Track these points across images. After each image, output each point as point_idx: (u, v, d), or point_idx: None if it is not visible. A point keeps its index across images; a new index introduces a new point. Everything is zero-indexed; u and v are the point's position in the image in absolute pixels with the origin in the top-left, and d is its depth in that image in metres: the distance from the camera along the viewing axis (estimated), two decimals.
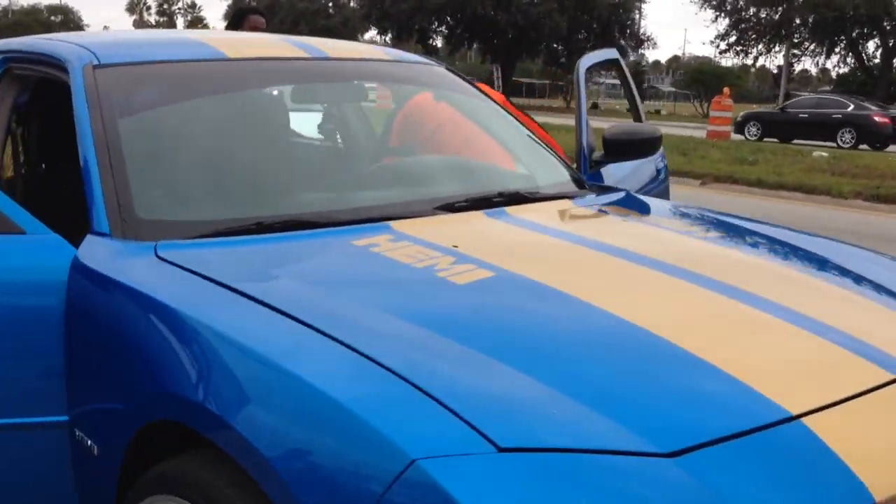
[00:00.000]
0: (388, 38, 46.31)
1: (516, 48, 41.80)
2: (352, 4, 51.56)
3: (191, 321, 1.56)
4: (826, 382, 1.49)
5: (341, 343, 1.41)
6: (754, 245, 2.34)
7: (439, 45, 45.17)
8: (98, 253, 1.87)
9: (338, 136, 3.01)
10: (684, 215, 2.67)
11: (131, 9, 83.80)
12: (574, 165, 2.99)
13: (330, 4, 55.63)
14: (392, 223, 2.03)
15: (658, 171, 3.88)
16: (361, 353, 1.38)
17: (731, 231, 2.45)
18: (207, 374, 1.49)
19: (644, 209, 2.67)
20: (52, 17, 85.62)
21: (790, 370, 1.52)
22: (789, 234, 2.46)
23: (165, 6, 70.33)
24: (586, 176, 2.99)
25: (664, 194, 3.83)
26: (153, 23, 76.26)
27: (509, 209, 2.27)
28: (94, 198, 1.98)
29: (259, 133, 2.46)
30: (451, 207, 2.23)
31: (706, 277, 1.84)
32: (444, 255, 1.84)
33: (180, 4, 73.17)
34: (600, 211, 2.50)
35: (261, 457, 1.31)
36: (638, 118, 3.84)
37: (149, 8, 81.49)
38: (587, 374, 1.41)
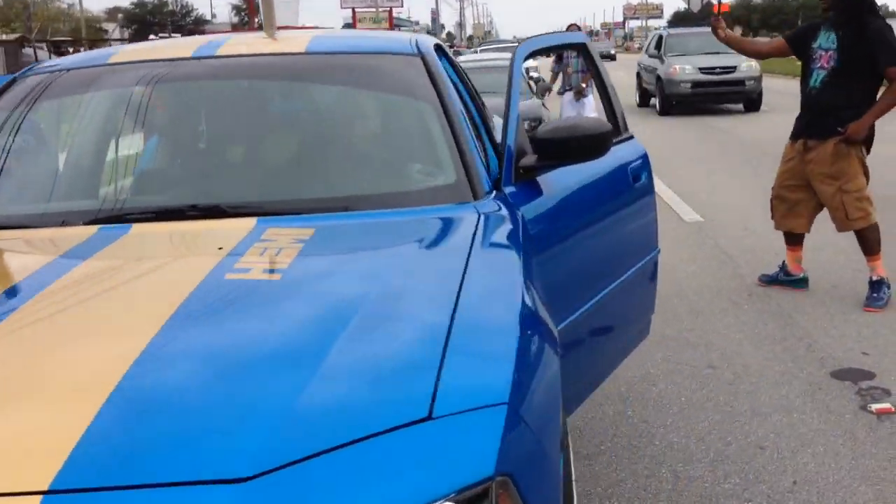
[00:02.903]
0: None
1: None
2: None
3: None
4: None
5: None
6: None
7: None
8: None
9: (182, 140, 2.65)
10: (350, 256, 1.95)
11: None
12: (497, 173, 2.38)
13: None
14: None
15: (633, 179, 3.01)
16: None
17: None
18: None
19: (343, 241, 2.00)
20: None
21: None
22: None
23: None
24: (515, 185, 2.34)
25: (644, 210, 3.08)
26: None
27: (140, 227, 2.03)
28: None
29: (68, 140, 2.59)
30: (98, 220, 2.08)
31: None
32: None
33: None
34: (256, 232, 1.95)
35: None
36: (612, 116, 3.13)
37: None
38: None
